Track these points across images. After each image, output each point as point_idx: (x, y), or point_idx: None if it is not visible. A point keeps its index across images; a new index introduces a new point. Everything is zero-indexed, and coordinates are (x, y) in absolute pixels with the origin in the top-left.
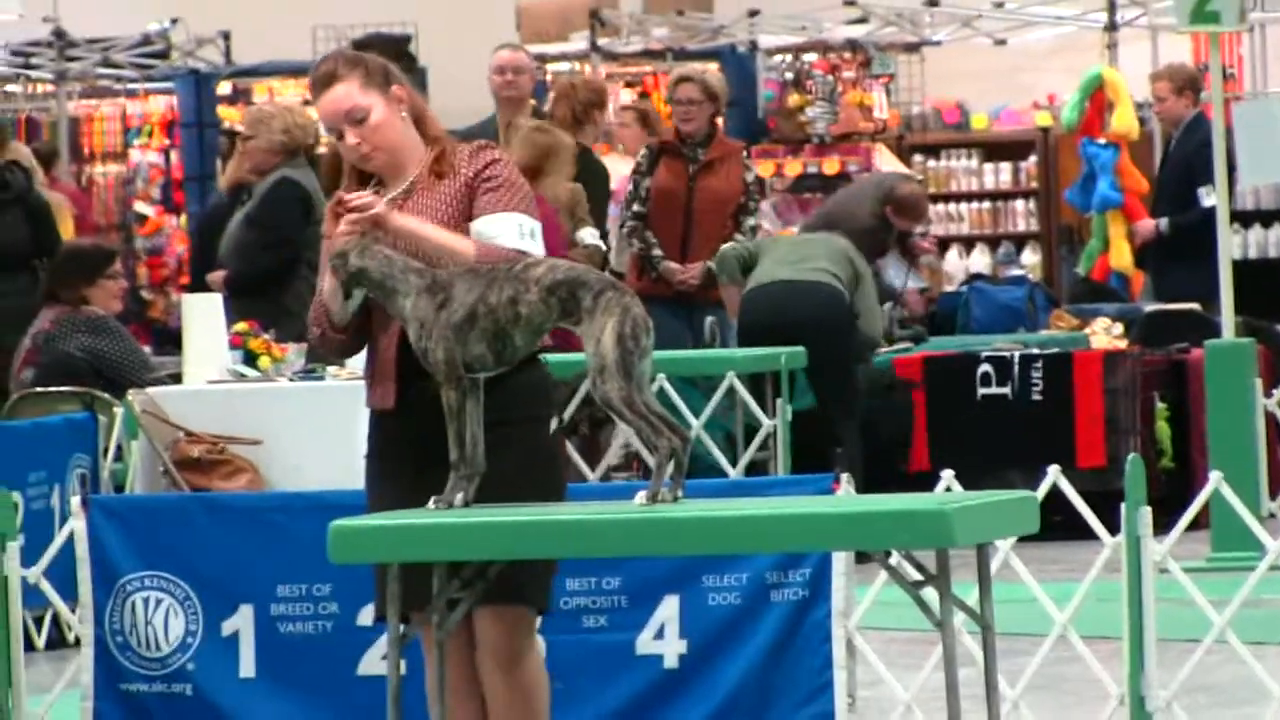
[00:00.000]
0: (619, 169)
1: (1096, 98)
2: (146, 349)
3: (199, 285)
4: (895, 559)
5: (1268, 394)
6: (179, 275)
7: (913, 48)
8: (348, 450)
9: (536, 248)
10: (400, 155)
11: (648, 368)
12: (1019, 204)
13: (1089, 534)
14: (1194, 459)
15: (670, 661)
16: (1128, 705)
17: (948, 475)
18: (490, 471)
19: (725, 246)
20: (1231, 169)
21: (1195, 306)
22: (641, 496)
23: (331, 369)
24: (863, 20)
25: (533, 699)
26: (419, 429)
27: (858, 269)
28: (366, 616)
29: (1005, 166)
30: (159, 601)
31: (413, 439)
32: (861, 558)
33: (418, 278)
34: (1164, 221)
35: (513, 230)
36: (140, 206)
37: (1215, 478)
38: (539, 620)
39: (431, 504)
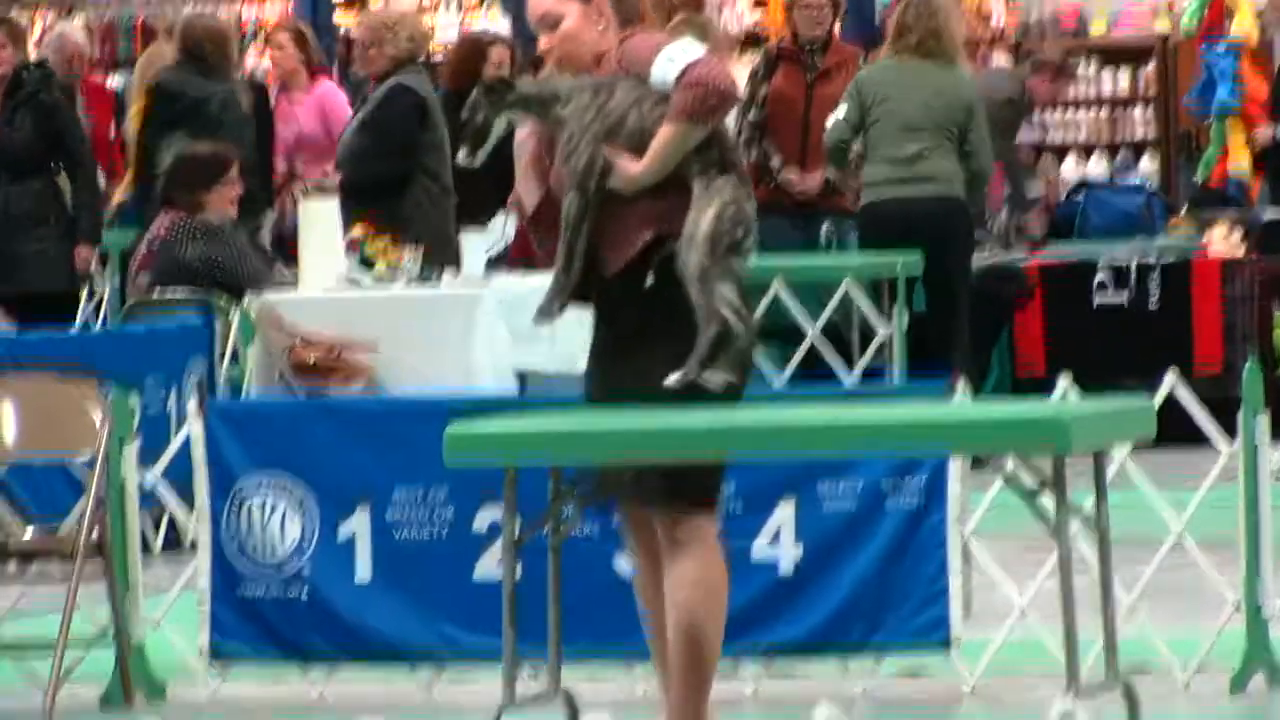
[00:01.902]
0: None
1: (1215, 3)
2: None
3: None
4: (1011, 465)
5: None
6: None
7: None
8: (463, 354)
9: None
10: (587, 65)
11: (737, 264)
12: (1137, 111)
13: (1205, 441)
14: None
15: (785, 568)
16: (1243, 612)
17: (1065, 382)
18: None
19: (829, 131)
20: None
21: None
22: (672, 378)
23: (447, 273)
24: None
25: (692, 594)
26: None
27: (971, 108)
28: (482, 520)
29: (1123, 73)
30: (275, 505)
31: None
32: (977, 464)
33: (577, 80)
34: None
35: (663, 62)
36: None
37: None
38: (708, 513)
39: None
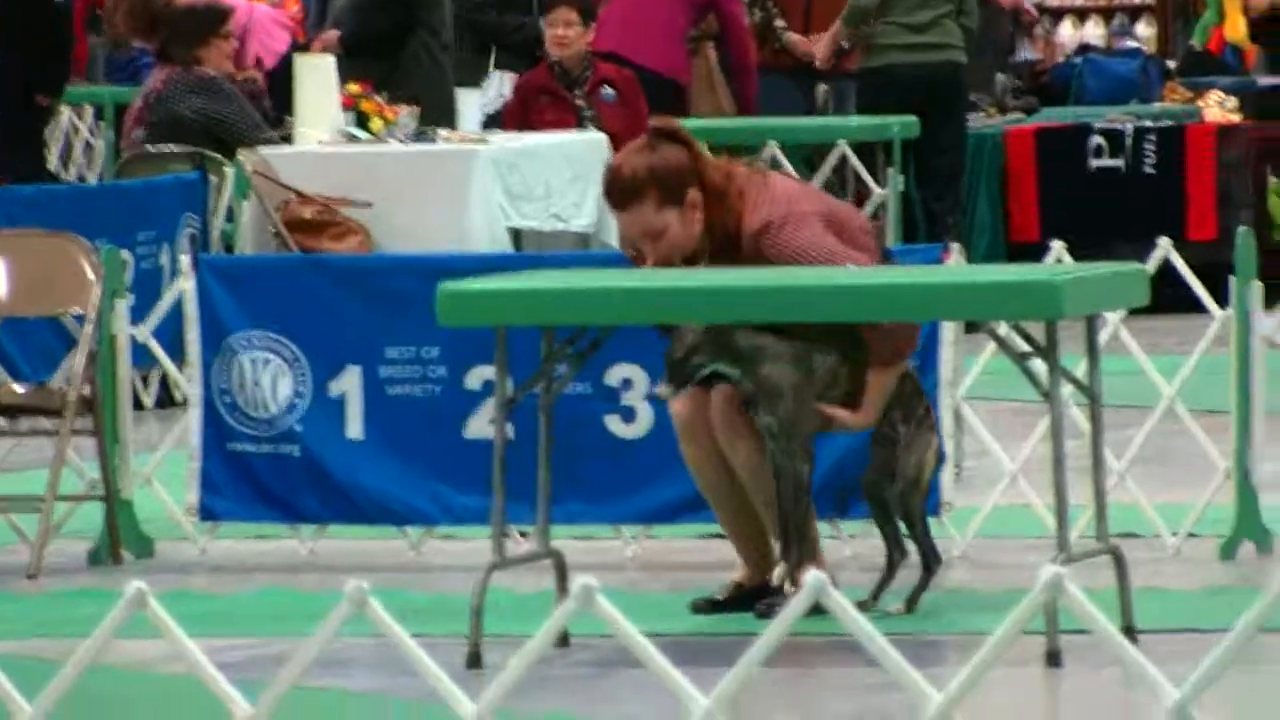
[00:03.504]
0: None
1: None
2: None
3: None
4: (1004, 329)
5: None
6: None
7: None
8: (458, 213)
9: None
10: (693, 248)
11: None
12: None
13: (1198, 307)
14: None
15: None
16: (1233, 479)
17: (1058, 247)
18: None
19: None
20: None
21: None
22: None
23: (443, 131)
24: None
25: (747, 473)
26: None
27: None
28: (475, 379)
29: None
30: (267, 362)
31: None
32: (970, 328)
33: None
34: None
35: None
36: None
37: None
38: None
39: None
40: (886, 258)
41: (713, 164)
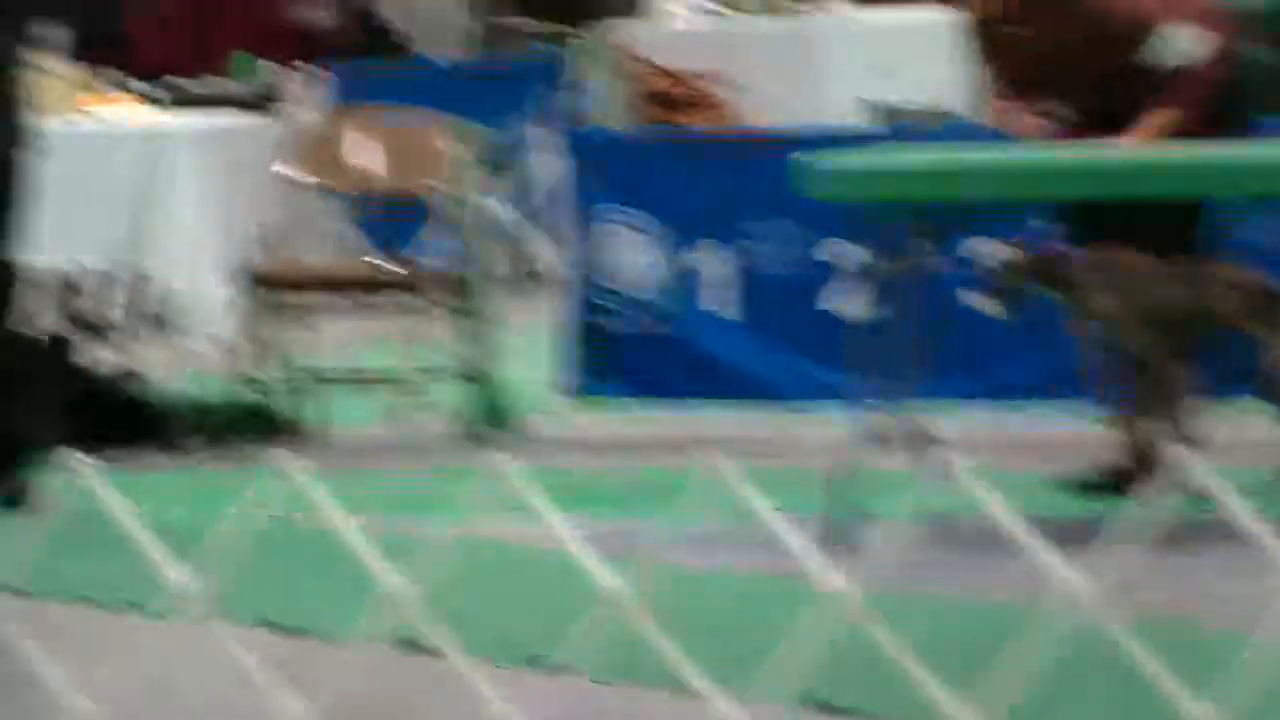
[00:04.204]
0: None
1: None
2: None
3: None
4: None
5: None
6: None
7: None
8: (814, 89)
9: None
10: None
11: None
12: None
13: None
14: None
15: None
16: None
17: None
18: None
19: None
20: None
21: None
22: None
23: (806, 5)
24: None
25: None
26: None
27: None
28: (832, 253)
29: None
30: (631, 239)
31: None
32: None
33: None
34: None
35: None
36: None
37: None
38: None
39: None
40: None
41: None
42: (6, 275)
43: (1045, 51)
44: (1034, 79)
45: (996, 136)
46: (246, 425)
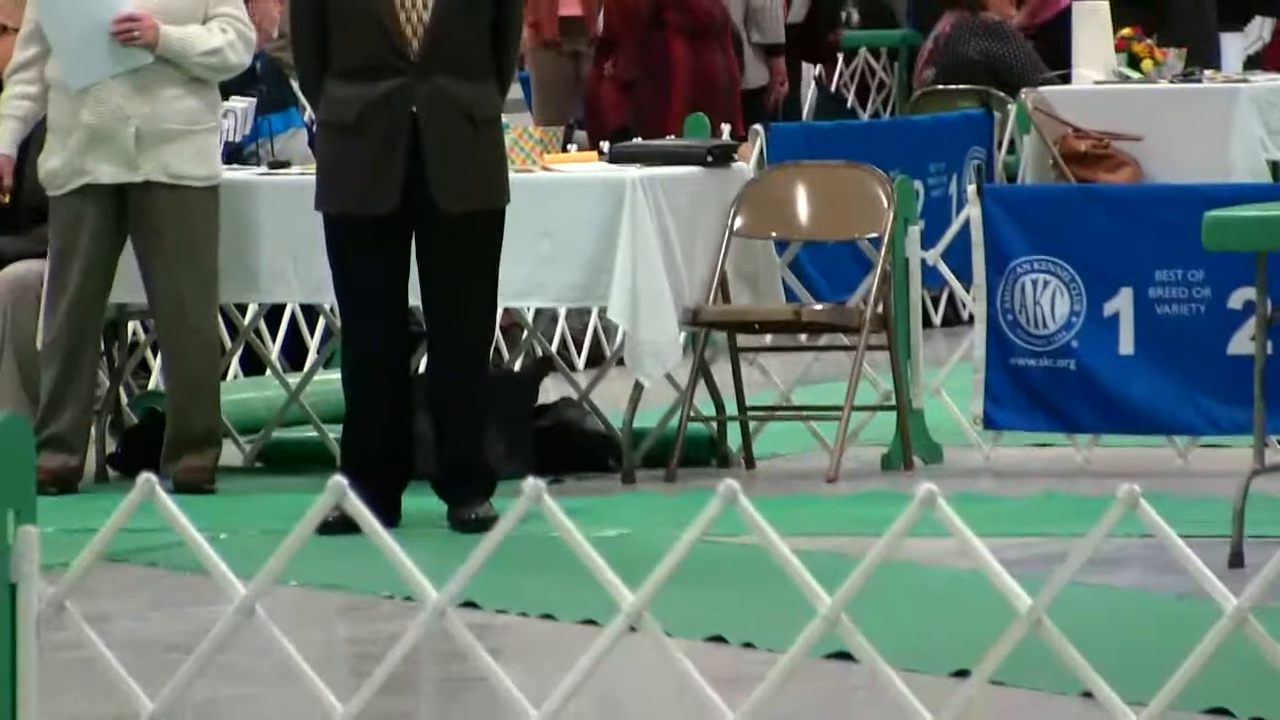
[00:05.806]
0: None
1: None
2: None
3: None
4: None
5: None
6: None
7: None
8: (1220, 147)
9: None
10: None
11: None
12: None
13: None
14: None
15: None
16: None
17: None
18: None
19: None
20: None
21: None
22: None
23: (1208, 71)
24: None
25: None
26: None
27: None
28: (1237, 300)
29: None
30: (1046, 284)
31: None
32: None
33: None
34: None
35: None
36: None
37: None
38: None
39: None
40: None
41: None
42: (488, 323)
43: None
44: None
45: None
46: (692, 454)
